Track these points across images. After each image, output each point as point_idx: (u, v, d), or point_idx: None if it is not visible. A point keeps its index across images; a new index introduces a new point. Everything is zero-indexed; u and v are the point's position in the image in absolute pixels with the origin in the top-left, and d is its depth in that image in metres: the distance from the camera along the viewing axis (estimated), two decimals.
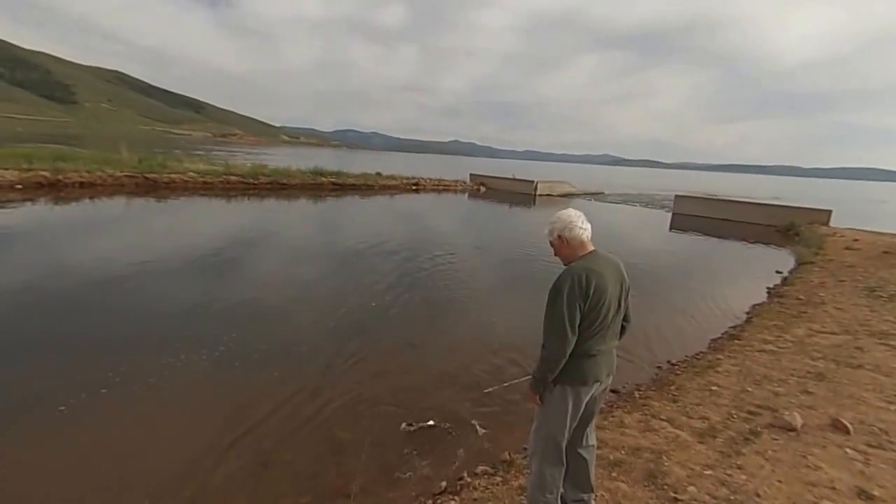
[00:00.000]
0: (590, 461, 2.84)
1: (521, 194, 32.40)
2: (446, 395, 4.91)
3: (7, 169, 17.09)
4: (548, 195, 32.97)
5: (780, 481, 3.29)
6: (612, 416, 4.37)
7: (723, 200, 25.15)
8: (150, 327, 6.20)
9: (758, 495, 3.12)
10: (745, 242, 17.39)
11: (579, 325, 2.40)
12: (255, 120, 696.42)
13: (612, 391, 5.17)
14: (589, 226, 2.59)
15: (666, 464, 3.49)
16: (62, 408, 4.25)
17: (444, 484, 3.54)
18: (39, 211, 13.83)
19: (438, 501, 3.33)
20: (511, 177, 36.83)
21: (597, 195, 36.69)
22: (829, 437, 3.92)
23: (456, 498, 3.32)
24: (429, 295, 8.60)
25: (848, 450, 3.73)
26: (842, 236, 16.39)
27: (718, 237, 18.48)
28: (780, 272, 11.80)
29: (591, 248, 2.58)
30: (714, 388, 4.90)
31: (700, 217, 23.54)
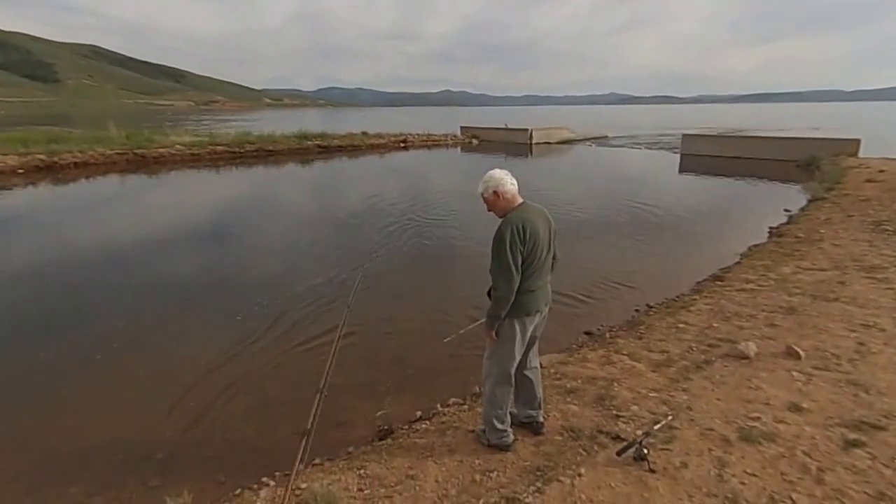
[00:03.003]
0: (535, 381, 3.50)
1: (517, 144, 32.49)
2: (429, 341, 5.69)
3: (7, 154, 18.49)
4: (545, 143, 32.94)
5: (718, 399, 3.87)
6: (578, 354, 4.99)
7: (736, 137, 24.95)
8: (167, 296, 7.34)
9: (690, 409, 3.72)
10: (759, 181, 17.66)
11: (522, 266, 3.00)
12: (236, 85, 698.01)
13: (586, 333, 5.79)
14: (516, 181, 3.14)
15: (615, 389, 4.10)
16: (98, 356, 5.50)
17: (419, 413, 4.33)
18: (44, 193, 15.32)
19: (414, 426, 4.07)
20: (504, 126, 36.74)
21: (599, 139, 36.39)
22: (779, 362, 4.46)
23: (427, 422, 4.07)
24: (418, 252, 9.55)
25: (794, 373, 4.27)
26: (867, 167, 16.23)
27: (731, 176, 18.72)
28: (789, 210, 12.14)
29: (520, 200, 3.14)
30: (681, 325, 5.47)
31: (712, 157, 23.40)
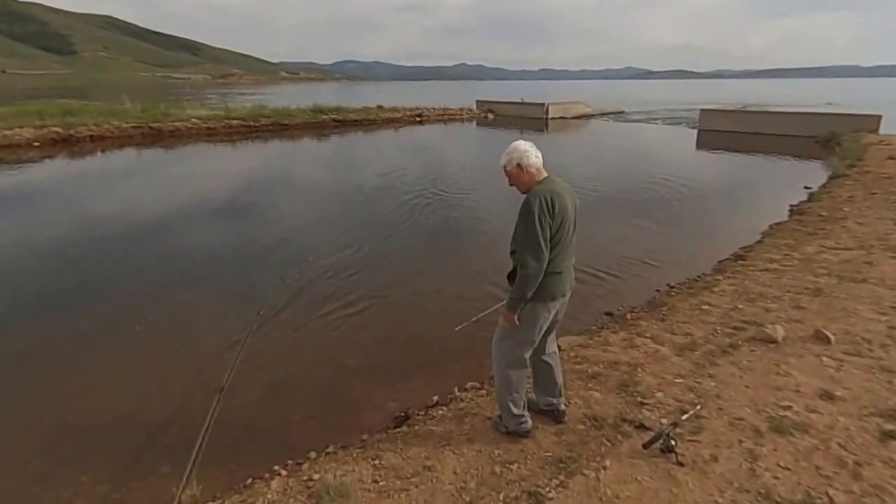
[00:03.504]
0: (554, 366, 3.31)
1: (533, 119, 31.87)
2: (446, 320, 5.40)
3: (22, 127, 18.27)
4: (561, 118, 32.30)
5: (746, 386, 3.68)
6: (598, 336, 4.79)
7: (754, 112, 24.32)
8: (187, 269, 7.27)
9: (718, 397, 3.53)
10: (777, 157, 17.21)
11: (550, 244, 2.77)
12: (253, 58, 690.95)
13: (607, 314, 5.59)
14: (541, 154, 2.90)
15: (639, 375, 3.91)
16: (136, 328, 5.51)
17: (435, 398, 4.14)
18: (62, 166, 15.16)
19: (431, 412, 3.89)
20: (520, 101, 36.15)
21: (616, 114, 35.81)
22: (808, 347, 4.25)
23: (444, 408, 3.88)
24: (436, 227, 9.38)
25: (824, 358, 4.06)
26: (888, 144, 15.85)
27: (749, 152, 18.29)
28: (809, 188, 11.76)
29: (545, 174, 2.91)
30: (705, 307, 5.25)
31: (730, 132, 22.88)
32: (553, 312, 2.99)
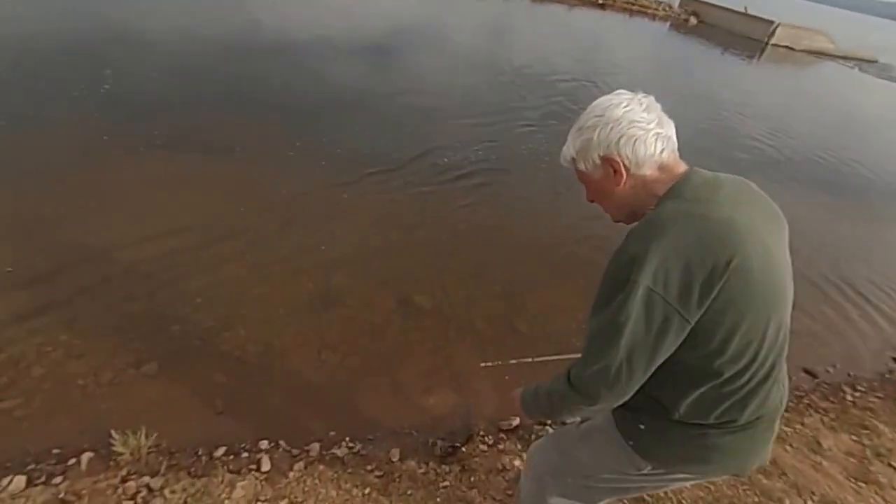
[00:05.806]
0: None
1: (747, 38, 24.06)
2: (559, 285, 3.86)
3: None
4: (787, 47, 24.06)
5: None
6: (803, 423, 2.92)
7: None
8: (312, 99, 6.37)
9: None
10: None
11: (701, 363, 1.05)
12: None
13: (808, 372, 3.53)
14: (672, 125, 1.12)
15: None
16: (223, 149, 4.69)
17: (515, 422, 2.65)
18: None
19: (501, 442, 2.52)
20: (743, 10, 26.79)
21: (866, 62, 25.73)
22: None
23: (520, 447, 2.50)
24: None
25: None
26: None
27: None
28: None
29: (681, 168, 1.13)
30: None
31: None
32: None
